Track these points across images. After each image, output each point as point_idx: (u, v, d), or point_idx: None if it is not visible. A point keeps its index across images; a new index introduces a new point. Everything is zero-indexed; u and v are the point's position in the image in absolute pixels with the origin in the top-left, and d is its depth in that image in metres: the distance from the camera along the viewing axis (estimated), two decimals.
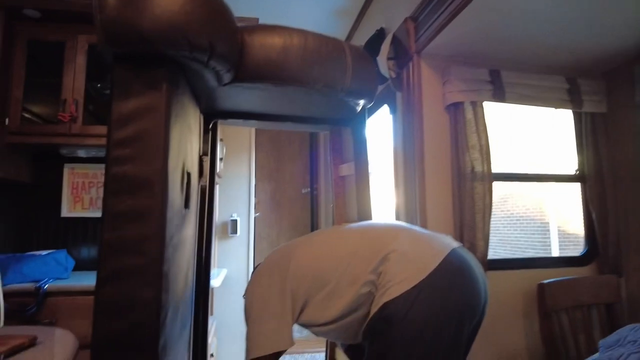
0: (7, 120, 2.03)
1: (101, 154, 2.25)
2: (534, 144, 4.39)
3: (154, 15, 0.96)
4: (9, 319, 1.65)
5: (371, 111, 2.17)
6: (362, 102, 1.49)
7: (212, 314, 2.56)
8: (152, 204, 0.98)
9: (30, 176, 2.31)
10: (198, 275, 1.63)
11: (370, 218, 1.75)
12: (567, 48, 1.78)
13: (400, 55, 1.89)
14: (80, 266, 2.27)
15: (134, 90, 1.00)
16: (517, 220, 6.14)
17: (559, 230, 5.37)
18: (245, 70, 1.20)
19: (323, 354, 2.17)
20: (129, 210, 0.97)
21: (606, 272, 1.88)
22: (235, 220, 2.97)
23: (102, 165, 0.99)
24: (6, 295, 1.68)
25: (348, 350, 1.54)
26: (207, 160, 1.59)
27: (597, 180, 1.94)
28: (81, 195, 2.39)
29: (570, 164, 2.09)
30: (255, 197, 3.19)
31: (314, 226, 4.10)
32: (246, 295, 1.27)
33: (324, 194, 3.96)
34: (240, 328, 2.79)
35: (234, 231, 2.96)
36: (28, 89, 2.09)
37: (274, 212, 4.09)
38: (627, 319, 1.74)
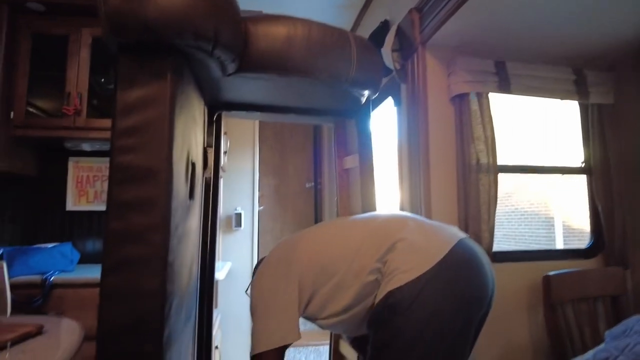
0: (12, 113, 2.04)
1: (105, 147, 2.26)
2: (539, 136, 4.36)
3: (159, 4, 0.95)
4: (16, 311, 1.66)
5: (375, 103, 2.16)
6: (366, 93, 1.48)
7: (216, 307, 2.57)
8: (157, 193, 0.98)
9: (35, 170, 2.33)
10: (202, 267, 1.63)
11: (374, 211, 1.74)
12: (574, 39, 1.76)
13: (405, 46, 1.87)
14: (86, 259, 2.28)
15: (138, 80, 1.00)
16: (521, 215, 6.12)
17: (563, 225, 5.35)
18: (250, 60, 1.19)
19: (327, 347, 2.17)
20: (134, 199, 0.97)
21: (612, 265, 1.87)
22: (240, 214, 2.98)
23: (107, 159, 0.99)
24: (13, 287, 1.69)
25: (354, 342, 1.54)
26: (211, 152, 1.59)
27: (603, 172, 1.93)
28: (86, 189, 2.40)
29: (576, 156, 2.08)
30: (259, 190, 3.19)
31: (317, 220, 4.10)
32: (251, 289, 1.25)
33: (328, 188, 3.96)
34: (245, 321, 2.82)
35: (238, 224, 2.97)
36: (32, 83, 2.10)
37: (278, 206, 4.10)
38: (632, 312, 1.73)
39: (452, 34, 1.70)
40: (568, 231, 5.20)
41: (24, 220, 2.34)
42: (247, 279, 1.24)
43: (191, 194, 1.22)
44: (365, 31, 2.26)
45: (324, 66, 1.29)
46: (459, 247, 1.11)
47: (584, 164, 2.02)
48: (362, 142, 1.75)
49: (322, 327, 1.30)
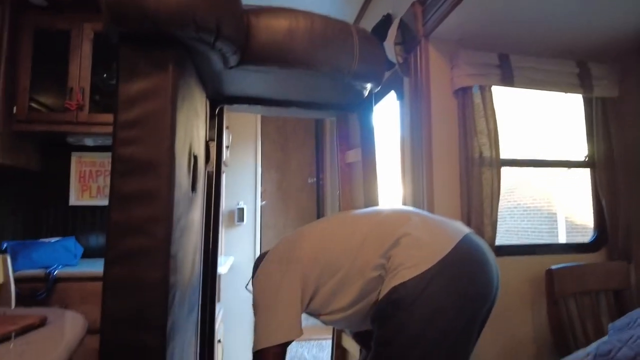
0: (14, 108, 2.05)
1: (108, 142, 2.26)
2: (542, 130, 4.34)
3: None
4: (20, 304, 1.67)
5: (378, 97, 2.15)
6: (369, 86, 1.47)
7: (219, 301, 2.58)
8: (159, 185, 0.98)
9: (38, 165, 2.33)
10: (205, 261, 1.64)
11: (377, 205, 1.74)
12: (578, 31, 1.75)
13: (408, 39, 1.86)
14: (89, 254, 2.29)
15: (140, 72, 1.00)
16: (524, 210, 6.10)
17: (566, 221, 5.33)
18: (251, 53, 1.19)
19: (330, 341, 2.18)
20: (136, 191, 0.97)
21: (615, 259, 1.86)
22: (242, 209, 2.99)
23: (109, 154, 0.98)
24: (17, 281, 1.70)
25: (356, 336, 1.54)
26: (213, 146, 1.59)
27: (607, 165, 1.92)
28: (89, 184, 2.40)
29: (579, 150, 2.06)
30: (261, 185, 3.20)
31: (320, 216, 4.10)
32: (254, 285, 1.25)
33: (330, 184, 3.96)
34: (247, 315, 2.83)
35: (241, 219, 2.98)
36: (35, 79, 2.11)
37: (280, 202, 4.10)
38: (636, 305, 1.71)
39: (455, 27, 1.69)
40: (571, 227, 5.18)
41: (27, 215, 2.35)
42: (249, 273, 1.25)
43: (193, 187, 1.22)
44: (368, 25, 2.25)
45: (326, 59, 1.28)
46: (464, 242, 1.09)
47: (587, 157, 2.01)
48: (365, 136, 1.75)
49: (325, 322, 1.29)
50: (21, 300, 1.71)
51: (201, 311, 1.63)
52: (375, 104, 1.79)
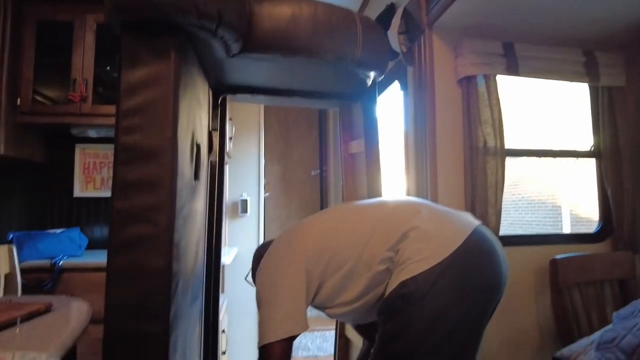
0: (18, 100, 2.05)
1: (111, 134, 2.24)
2: (548, 120, 4.31)
3: None
4: (27, 295, 1.69)
5: (381, 88, 2.14)
6: (372, 74, 1.46)
7: (223, 292, 2.59)
8: (162, 173, 0.98)
9: (43, 156, 2.34)
10: (209, 251, 1.64)
11: (380, 196, 1.74)
12: (584, 19, 1.72)
13: (412, 29, 1.85)
14: (93, 245, 2.30)
15: (142, 59, 1.00)
16: (528, 203, 6.08)
17: (571, 214, 5.31)
18: (254, 41, 1.18)
19: (333, 332, 2.19)
20: (139, 179, 0.97)
21: (621, 249, 1.85)
22: (246, 200, 2.99)
23: (113, 146, 0.98)
24: (23, 271, 1.72)
25: (358, 327, 1.54)
26: (216, 136, 1.59)
27: (613, 155, 1.90)
28: (93, 176, 2.41)
29: (585, 140, 2.05)
30: (264, 177, 3.20)
31: (323, 208, 4.10)
32: (257, 278, 1.22)
33: (334, 176, 3.96)
34: (251, 306, 2.83)
35: (244, 210, 2.99)
36: (38, 71, 2.11)
37: (283, 194, 4.10)
38: None
39: (459, 16, 1.67)
40: (576, 220, 5.17)
41: (32, 206, 2.37)
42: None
43: (196, 175, 1.22)
44: (372, 14, 2.23)
45: (330, 46, 1.27)
46: (475, 235, 1.08)
47: (593, 147, 1.99)
48: (368, 126, 1.74)
49: (330, 316, 1.27)
50: (28, 291, 1.73)
51: (205, 301, 1.64)
52: (379, 94, 1.78)
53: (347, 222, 1.24)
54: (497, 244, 1.13)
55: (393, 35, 1.86)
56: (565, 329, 1.61)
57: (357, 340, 1.99)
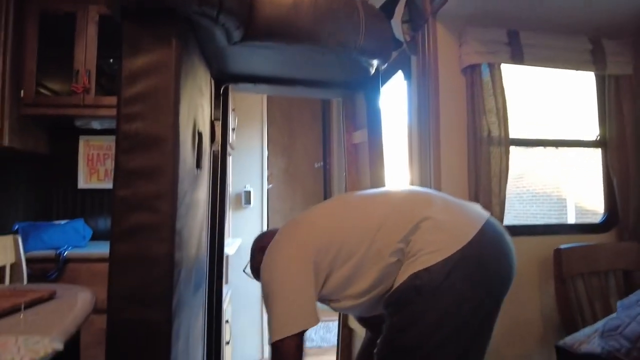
0: (22, 92, 2.05)
1: (114, 125, 2.26)
2: (553, 109, 4.27)
3: None
4: (32, 284, 1.70)
5: (385, 78, 2.12)
6: (375, 62, 1.45)
7: (227, 282, 2.60)
8: (164, 161, 0.98)
9: (47, 148, 2.35)
10: (212, 241, 1.65)
11: (383, 186, 1.73)
12: (590, 6, 1.70)
13: (415, 17, 1.83)
14: (97, 236, 2.32)
15: (143, 47, 0.99)
16: (533, 196, 6.06)
17: (576, 207, 5.29)
18: (255, 27, 1.17)
19: (336, 323, 2.19)
20: (141, 167, 0.97)
21: (626, 239, 1.84)
22: (249, 192, 3.00)
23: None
24: (28, 261, 1.74)
25: (361, 319, 1.52)
26: (218, 126, 1.59)
27: (619, 145, 1.87)
28: (96, 167, 2.42)
29: (590, 130, 2.02)
30: (267, 169, 3.20)
31: None
32: (263, 272, 1.16)
33: (337, 169, 3.95)
34: (254, 296, 2.85)
35: (248, 202, 2.99)
36: (41, 63, 2.11)
37: (287, 187, 4.10)
38: None
39: (464, 4, 1.65)
40: (581, 212, 5.15)
41: (37, 197, 2.38)
42: None
43: (198, 164, 1.22)
44: (375, 3, 2.21)
45: (332, 33, 1.26)
46: (486, 228, 1.06)
47: (599, 137, 1.97)
48: (371, 116, 1.73)
49: (335, 309, 1.25)
50: (33, 281, 1.74)
51: (208, 291, 1.65)
52: (382, 84, 1.76)
53: (356, 212, 1.21)
54: (507, 236, 1.12)
55: (397, 24, 1.84)
56: (569, 319, 1.60)
57: (360, 331, 1.99)
